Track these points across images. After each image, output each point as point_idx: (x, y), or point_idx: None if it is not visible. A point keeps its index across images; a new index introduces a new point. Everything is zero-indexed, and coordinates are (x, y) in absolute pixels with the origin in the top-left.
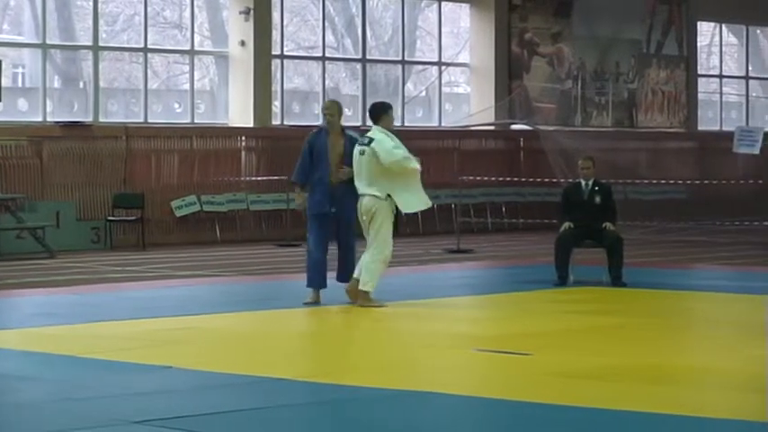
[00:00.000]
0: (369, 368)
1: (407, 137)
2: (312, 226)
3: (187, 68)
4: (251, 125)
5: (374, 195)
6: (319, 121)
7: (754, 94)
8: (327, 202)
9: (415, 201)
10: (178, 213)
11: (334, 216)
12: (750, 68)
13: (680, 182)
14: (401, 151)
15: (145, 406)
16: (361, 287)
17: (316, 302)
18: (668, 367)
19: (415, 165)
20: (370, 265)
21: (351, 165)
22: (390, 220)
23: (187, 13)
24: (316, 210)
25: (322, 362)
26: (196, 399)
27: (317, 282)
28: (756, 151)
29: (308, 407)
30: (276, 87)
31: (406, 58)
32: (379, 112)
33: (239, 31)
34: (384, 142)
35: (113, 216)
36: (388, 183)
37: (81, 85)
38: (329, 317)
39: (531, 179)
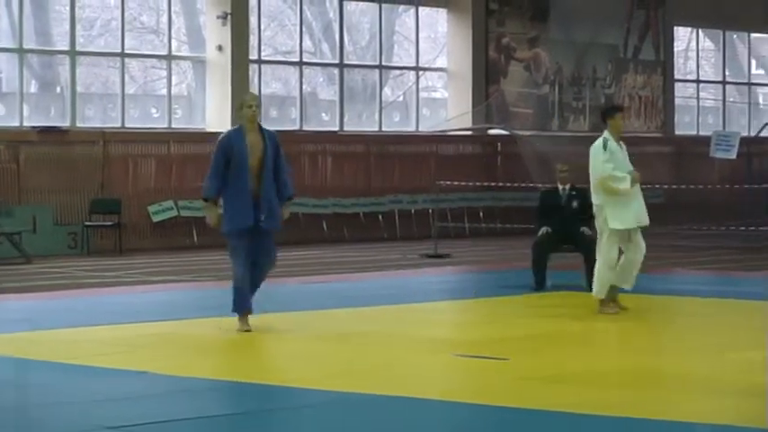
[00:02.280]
0: (347, 373)
1: (385, 141)
2: (237, 245)
3: (164, 73)
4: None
5: (595, 204)
6: (296, 126)
7: (730, 99)
8: (251, 214)
9: (625, 216)
10: (155, 218)
11: (256, 230)
12: (727, 73)
13: (657, 186)
14: (609, 166)
15: (120, 412)
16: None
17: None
18: (645, 371)
19: (624, 185)
20: (597, 272)
21: (273, 169)
22: (607, 230)
23: (164, 18)
24: (239, 225)
25: (301, 367)
26: (171, 404)
27: (248, 306)
28: (733, 156)
29: (285, 412)
30: (253, 92)
31: (383, 63)
32: (604, 115)
33: (216, 35)
34: (597, 154)
35: (90, 221)
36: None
37: (58, 89)
38: (306, 323)
39: (508, 184)
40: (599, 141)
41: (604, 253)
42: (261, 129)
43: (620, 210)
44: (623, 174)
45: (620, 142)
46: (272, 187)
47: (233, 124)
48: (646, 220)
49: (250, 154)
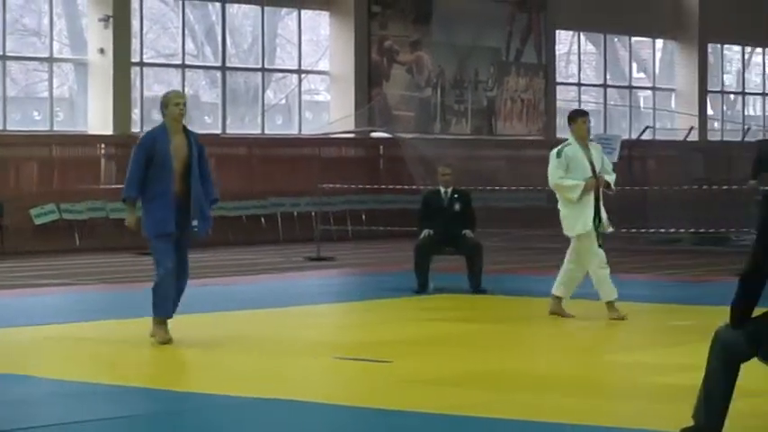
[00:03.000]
0: (227, 376)
1: (267, 145)
2: (161, 248)
3: (46, 76)
4: (110, 133)
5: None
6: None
7: (611, 102)
8: (173, 219)
9: (574, 223)
10: (37, 221)
11: (179, 234)
12: (608, 76)
13: (539, 189)
14: (559, 173)
15: (1, 416)
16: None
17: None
18: (527, 373)
19: (573, 194)
20: (593, 276)
21: (198, 171)
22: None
23: (46, 21)
24: (162, 229)
25: (180, 371)
26: (54, 408)
27: (169, 311)
28: (614, 159)
29: (165, 416)
30: (136, 95)
31: (265, 66)
32: (568, 120)
33: (99, 38)
34: (551, 161)
35: None
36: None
37: None
38: (184, 327)
39: (391, 187)
40: (555, 149)
41: (591, 257)
42: (185, 129)
43: (572, 216)
44: (575, 182)
45: (590, 146)
46: (201, 190)
47: (114, 127)
48: (588, 228)
49: (174, 156)
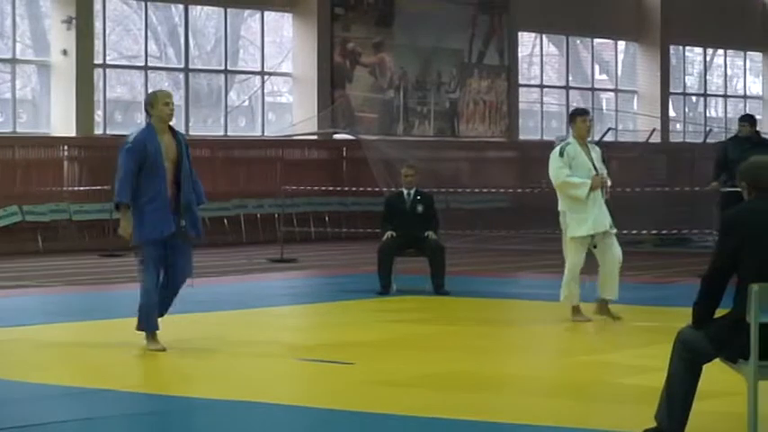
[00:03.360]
0: (188, 378)
1: (230, 146)
2: (151, 255)
3: (8, 77)
4: (73, 135)
5: (559, 209)
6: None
7: (574, 104)
8: (171, 221)
9: (583, 224)
10: None
11: (173, 239)
12: (570, 78)
13: (501, 190)
14: (564, 172)
15: None
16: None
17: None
18: (489, 375)
19: (579, 192)
20: (563, 278)
21: (187, 172)
22: (568, 238)
23: (8, 22)
24: (158, 233)
25: (142, 373)
26: (21, 410)
27: (155, 324)
28: None
29: (132, 418)
30: (98, 97)
31: (228, 68)
32: (569, 120)
33: (61, 39)
34: (553, 161)
35: None
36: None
37: None
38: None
39: (353, 188)
40: (557, 148)
41: (569, 260)
42: (171, 129)
43: (578, 217)
44: (581, 180)
45: (591, 145)
46: (191, 192)
47: (77, 129)
48: (602, 227)
49: (165, 157)
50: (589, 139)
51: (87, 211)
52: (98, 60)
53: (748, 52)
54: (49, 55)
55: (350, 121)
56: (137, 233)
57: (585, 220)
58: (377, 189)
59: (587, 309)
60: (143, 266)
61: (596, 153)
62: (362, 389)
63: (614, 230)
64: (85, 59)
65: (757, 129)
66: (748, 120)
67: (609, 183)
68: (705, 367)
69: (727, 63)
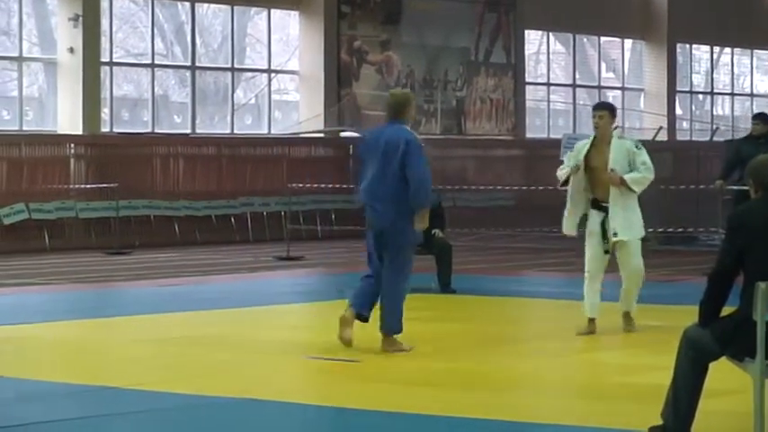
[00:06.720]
0: (196, 376)
1: (237, 144)
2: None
3: (15, 75)
4: (80, 132)
5: None
6: (148, 128)
7: (580, 102)
8: None
9: (564, 221)
10: (6, 221)
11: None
12: (577, 76)
13: (508, 189)
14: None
15: None
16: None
17: None
18: (495, 373)
19: (560, 171)
20: None
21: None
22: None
23: (15, 20)
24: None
25: (149, 370)
26: (25, 408)
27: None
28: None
29: (137, 415)
30: (105, 94)
31: (235, 66)
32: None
33: (68, 37)
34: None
35: None
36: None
37: None
38: (156, 326)
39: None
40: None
41: (586, 263)
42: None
43: (566, 213)
44: (568, 165)
45: (619, 141)
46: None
47: (84, 127)
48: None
49: None
50: (617, 134)
51: (94, 208)
52: (105, 58)
53: (755, 50)
54: (55, 53)
55: (356, 119)
56: (413, 233)
57: (572, 214)
58: None
59: (613, 309)
60: (408, 268)
61: (619, 149)
62: (368, 387)
63: (627, 238)
64: (92, 57)
65: None
66: (761, 118)
67: (629, 178)
68: (711, 365)
69: (734, 61)
